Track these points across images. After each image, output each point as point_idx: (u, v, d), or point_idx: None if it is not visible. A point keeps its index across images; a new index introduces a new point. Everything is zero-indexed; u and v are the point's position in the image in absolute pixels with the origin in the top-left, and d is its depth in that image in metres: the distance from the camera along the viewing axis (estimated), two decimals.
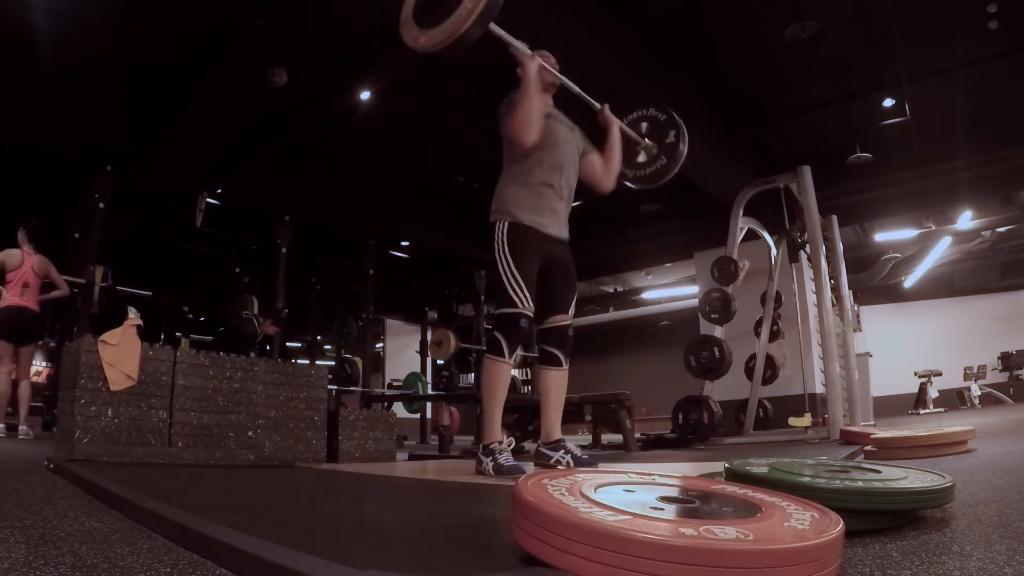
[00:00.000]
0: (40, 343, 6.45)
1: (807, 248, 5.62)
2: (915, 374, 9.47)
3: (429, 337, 9.43)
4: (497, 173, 2.70)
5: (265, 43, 4.63)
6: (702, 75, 5.63)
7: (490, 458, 2.40)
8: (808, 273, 6.08)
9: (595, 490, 1.01)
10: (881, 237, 10.18)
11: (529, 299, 2.48)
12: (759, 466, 1.45)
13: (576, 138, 2.78)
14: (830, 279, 5.53)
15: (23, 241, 4.80)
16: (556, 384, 2.63)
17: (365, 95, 5.35)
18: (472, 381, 9.69)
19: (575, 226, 2.74)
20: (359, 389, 8.03)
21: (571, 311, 2.69)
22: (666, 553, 0.73)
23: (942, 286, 11.75)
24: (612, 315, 13.33)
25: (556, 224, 2.63)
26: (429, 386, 9.89)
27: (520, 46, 2.48)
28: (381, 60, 4.97)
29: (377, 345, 12.50)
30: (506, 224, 2.54)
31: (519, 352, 2.81)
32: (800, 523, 0.89)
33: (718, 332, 5.55)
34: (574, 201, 2.76)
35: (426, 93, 5.59)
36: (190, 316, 7.68)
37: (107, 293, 5.71)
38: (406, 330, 13.09)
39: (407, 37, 2.23)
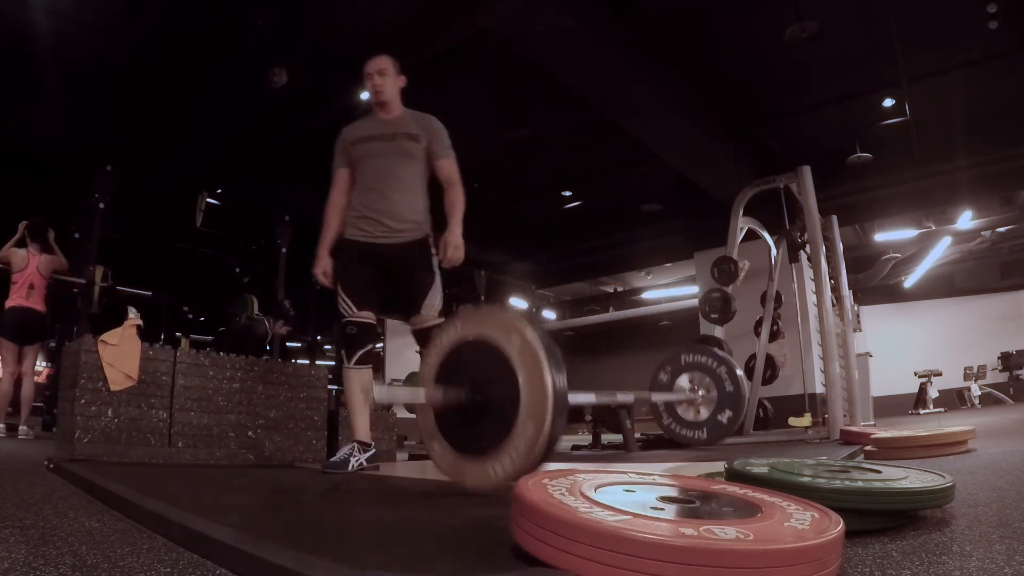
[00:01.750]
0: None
1: (807, 248, 5.61)
2: (915, 374, 9.45)
3: None
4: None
5: (265, 43, 4.63)
6: (702, 75, 5.62)
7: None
8: (808, 273, 6.07)
9: (595, 490, 1.01)
10: (881, 237, 10.17)
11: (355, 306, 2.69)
12: (759, 466, 1.45)
13: (400, 143, 2.78)
14: (830, 279, 5.52)
15: (28, 241, 4.80)
16: None
17: (365, 95, 5.35)
18: None
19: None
20: None
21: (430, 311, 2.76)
22: (666, 553, 0.73)
23: (942, 286, 11.74)
24: (612, 315, 13.32)
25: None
26: None
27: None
28: None
29: (377, 345, 12.49)
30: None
31: None
32: (800, 523, 0.89)
33: (718, 332, 5.54)
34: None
35: (426, 93, 5.59)
36: (190, 316, 7.68)
37: (107, 293, 5.71)
38: (406, 330, 13.02)
39: (434, 455, 1.96)
